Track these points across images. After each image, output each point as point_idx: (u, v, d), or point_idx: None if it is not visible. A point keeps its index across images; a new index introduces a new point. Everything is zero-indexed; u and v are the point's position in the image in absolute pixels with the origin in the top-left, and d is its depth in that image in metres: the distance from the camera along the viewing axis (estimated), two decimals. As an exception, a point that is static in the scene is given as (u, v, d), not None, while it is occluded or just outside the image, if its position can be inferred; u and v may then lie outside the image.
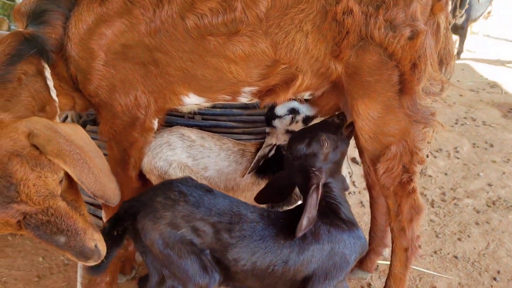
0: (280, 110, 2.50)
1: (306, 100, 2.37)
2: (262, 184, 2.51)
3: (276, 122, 2.52)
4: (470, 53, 9.86)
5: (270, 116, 2.54)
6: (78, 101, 2.19)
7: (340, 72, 1.98)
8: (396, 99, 1.94)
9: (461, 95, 6.24)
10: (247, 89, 2.12)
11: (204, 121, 2.96)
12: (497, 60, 8.11)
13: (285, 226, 1.94)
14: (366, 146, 2.07)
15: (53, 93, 1.98)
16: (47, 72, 1.95)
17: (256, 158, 2.48)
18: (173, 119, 2.92)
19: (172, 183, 1.97)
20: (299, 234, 1.85)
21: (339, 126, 2.15)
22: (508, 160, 4.40)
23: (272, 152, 2.53)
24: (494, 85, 6.66)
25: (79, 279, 2.42)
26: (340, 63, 1.95)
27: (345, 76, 1.97)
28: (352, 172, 3.97)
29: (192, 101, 2.20)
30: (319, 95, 2.21)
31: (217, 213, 1.87)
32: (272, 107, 2.55)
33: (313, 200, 1.89)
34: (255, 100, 2.22)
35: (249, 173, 2.46)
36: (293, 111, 2.46)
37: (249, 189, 2.55)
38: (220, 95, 2.16)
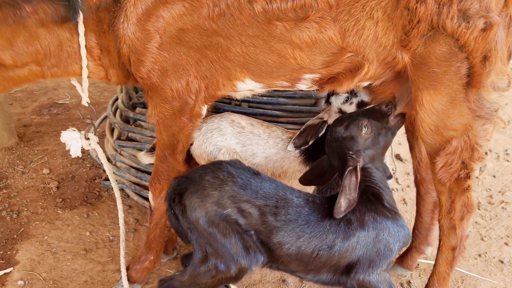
0: None
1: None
2: (290, 148, 2.53)
3: (332, 98, 2.53)
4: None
5: (330, 92, 2.54)
6: (113, 77, 2.22)
7: (406, 62, 1.93)
8: (462, 92, 1.89)
9: (514, 96, 5.99)
10: (309, 76, 2.08)
11: (250, 109, 2.97)
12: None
13: (331, 212, 1.95)
14: (426, 138, 2.03)
15: (83, 52, 2.03)
16: (81, 29, 1.97)
17: (304, 126, 2.49)
18: (221, 106, 2.95)
19: (221, 163, 2.01)
20: (337, 215, 1.89)
21: (385, 114, 2.14)
22: (561, 166, 4.21)
23: (323, 131, 2.51)
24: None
25: (122, 254, 2.48)
26: (407, 53, 1.90)
27: (411, 66, 1.93)
28: (396, 169, 3.89)
29: (247, 87, 2.17)
30: (379, 83, 2.17)
31: (264, 196, 1.91)
32: None
33: (350, 181, 1.91)
34: (314, 88, 2.19)
35: (293, 141, 2.48)
36: (351, 92, 2.45)
37: (296, 177, 2.55)
38: (279, 81, 2.12)
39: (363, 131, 2.06)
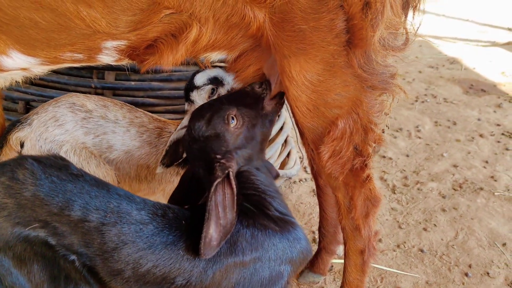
0: (199, 78, 1.94)
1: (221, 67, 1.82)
2: (159, 170, 1.96)
3: (194, 95, 1.95)
4: (427, 30, 9.58)
5: (188, 86, 1.97)
6: None
7: (262, 22, 1.44)
8: (342, 55, 1.42)
9: (420, 72, 5.90)
10: (111, 43, 1.48)
11: (115, 98, 2.39)
12: (454, 38, 7.88)
13: (190, 229, 1.44)
14: (305, 122, 1.56)
15: None
16: None
17: (168, 143, 1.91)
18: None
19: (26, 158, 1.43)
20: (207, 254, 1.35)
21: (259, 98, 1.64)
22: (473, 138, 4.06)
23: None
24: (453, 61, 6.36)
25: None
26: (262, 8, 1.41)
27: (271, 27, 1.44)
28: (303, 156, 3.50)
29: (17, 64, 1.50)
30: (235, 57, 1.65)
31: (84, 207, 1.35)
32: (191, 77, 1.99)
33: (221, 199, 1.38)
34: (125, 61, 1.61)
35: (161, 163, 1.89)
36: (215, 81, 1.90)
37: (168, 181, 2.01)
38: (67, 53, 1.49)
39: (232, 125, 1.55)
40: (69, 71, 2.57)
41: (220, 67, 1.94)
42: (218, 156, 1.49)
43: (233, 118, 1.55)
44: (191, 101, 1.97)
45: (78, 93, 2.04)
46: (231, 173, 1.43)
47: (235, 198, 1.41)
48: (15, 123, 1.93)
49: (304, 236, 1.60)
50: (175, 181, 2.07)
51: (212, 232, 1.34)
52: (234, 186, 1.41)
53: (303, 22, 1.37)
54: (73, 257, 1.35)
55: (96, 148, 1.93)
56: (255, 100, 1.64)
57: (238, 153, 1.55)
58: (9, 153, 1.87)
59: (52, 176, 1.38)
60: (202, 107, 1.65)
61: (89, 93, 2.42)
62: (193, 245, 1.39)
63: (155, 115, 2.15)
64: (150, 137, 2.04)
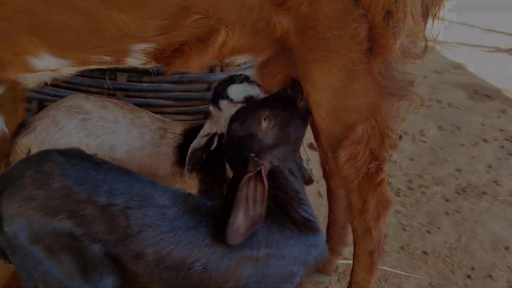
0: (236, 92, 1.94)
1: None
2: (187, 175, 2.00)
3: (224, 104, 1.96)
4: (431, 35, 9.59)
5: (220, 92, 1.97)
6: None
7: (287, 28, 1.47)
8: (363, 62, 1.46)
9: (424, 76, 5.94)
10: (139, 46, 1.51)
11: (128, 99, 2.44)
12: (458, 43, 7.94)
13: (210, 216, 1.52)
14: (324, 126, 1.60)
15: None
16: None
17: (190, 151, 1.93)
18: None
19: (50, 152, 1.50)
20: (233, 240, 1.42)
21: (292, 99, 1.70)
22: (476, 143, 4.10)
23: (214, 144, 1.96)
24: (458, 66, 6.40)
25: None
26: (286, 15, 1.44)
27: (295, 33, 1.48)
28: (309, 159, 3.55)
29: (46, 65, 1.53)
30: (261, 62, 1.68)
31: (110, 192, 1.42)
32: (226, 82, 1.99)
33: (248, 193, 1.47)
34: (152, 64, 1.63)
35: (187, 169, 1.93)
36: (250, 101, 1.92)
37: (169, 180, 2.04)
38: (96, 56, 1.53)
39: (264, 125, 1.63)
40: (82, 72, 2.59)
41: (253, 81, 1.95)
42: (252, 154, 1.58)
43: (265, 119, 1.63)
44: (218, 108, 1.97)
45: (78, 94, 2.07)
46: (263, 170, 1.51)
47: (266, 194, 1.49)
48: (20, 126, 1.96)
49: (323, 243, 1.68)
50: (177, 181, 2.09)
51: (240, 221, 1.42)
52: (266, 183, 1.49)
53: (327, 30, 1.41)
54: (97, 247, 1.40)
55: (99, 149, 1.96)
56: (288, 102, 1.71)
57: (272, 152, 1.63)
58: (17, 159, 1.89)
59: (77, 165, 1.44)
60: (239, 111, 1.75)
61: (102, 93, 2.45)
62: (212, 232, 1.47)
63: (158, 115, 2.17)
64: (153, 137, 2.05)
